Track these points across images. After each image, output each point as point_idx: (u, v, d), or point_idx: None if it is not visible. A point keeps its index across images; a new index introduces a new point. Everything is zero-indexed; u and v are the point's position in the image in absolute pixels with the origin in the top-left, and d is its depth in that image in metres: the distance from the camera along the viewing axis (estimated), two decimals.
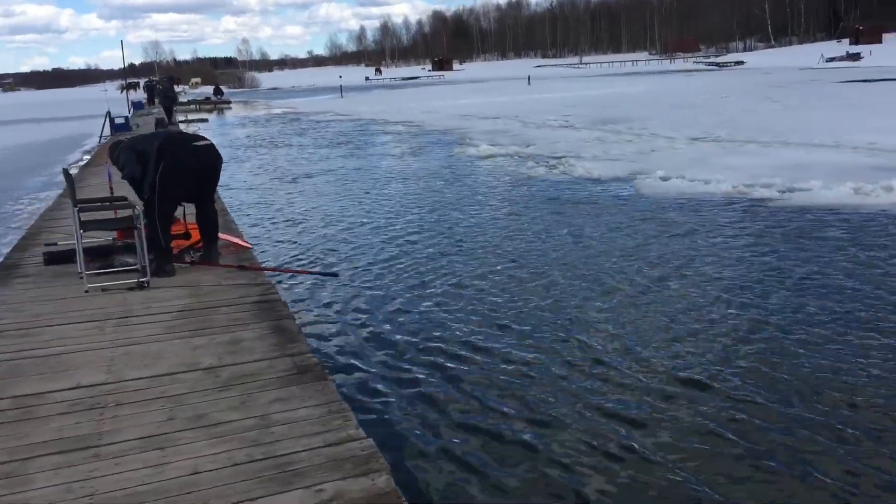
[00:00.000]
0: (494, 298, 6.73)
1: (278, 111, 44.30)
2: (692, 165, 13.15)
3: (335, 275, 6.98)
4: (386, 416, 4.72)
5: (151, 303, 5.32)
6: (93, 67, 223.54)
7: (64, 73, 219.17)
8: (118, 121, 24.70)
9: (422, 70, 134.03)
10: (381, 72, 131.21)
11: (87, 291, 5.65)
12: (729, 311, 6.16)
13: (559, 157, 15.62)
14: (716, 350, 5.41)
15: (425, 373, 5.29)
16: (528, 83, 60.49)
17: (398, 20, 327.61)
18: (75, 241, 5.90)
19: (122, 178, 6.03)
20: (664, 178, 12.09)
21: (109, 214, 6.52)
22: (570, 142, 18.50)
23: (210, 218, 6.43)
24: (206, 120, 36.77)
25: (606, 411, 4.60)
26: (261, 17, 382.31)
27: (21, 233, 9.84)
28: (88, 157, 19.94)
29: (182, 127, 27.44)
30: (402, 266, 7.98)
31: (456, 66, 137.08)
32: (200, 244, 6.63)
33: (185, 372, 4.03)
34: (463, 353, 5.59)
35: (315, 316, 6.59)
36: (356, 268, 7.99)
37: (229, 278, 5.92)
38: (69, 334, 4.72)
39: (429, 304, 6.69)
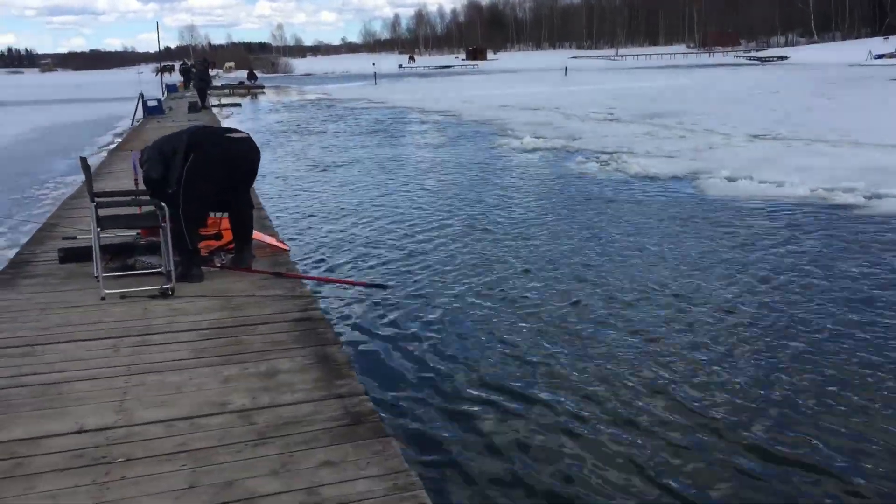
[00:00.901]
0: (569, 323, 5.86)
1: (312, 97, 43.68)
2: (759, 165, 12.18)
3: (384, 287, 6.10)
4: (458, 488, 3.76)
5: (175, 316, 4.58)
6: (129, 50, 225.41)
7: (101, 54, 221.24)
8: (151, 103, 24.19)
9: (455, 59, 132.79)
10: (414, 60, 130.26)
11: (103, 298, 4.93)
12: (840, 344, 5.28)
13: (610, 153, 14.71)
14: (824, 393, 4.55)
15: (497, 420, 4.37)
16: (565, 74, 59.27)
17: (433, 8, 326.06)
18: (92, 240, 5.19)
19: (144, 177, 5.32)
20: (730, 179, 11.15)
21: (133, 210, 5.82)
22: (618, 136, 17.55)
23: (244, 217, 5.68)
24: (239, 105, 36.22)
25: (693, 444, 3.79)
26: (295, 3, 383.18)
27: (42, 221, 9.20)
28: (120, 139, 19.40)
29: (215, 111, 26.88)
30: (455, 276, 7.04)
31: (490, 55, 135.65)
32: (232, 246, 5.90)
33: (212, 415, 3.28)
34: (541, 393, 4.73)
35: (364, 339, 5.66)
36: (405, 277, 7.08)
37: (264, 287, 5.17)
38: (77, 355, 3.99)
39: (493, 325, 5.80)
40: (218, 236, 5.98)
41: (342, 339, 5.15)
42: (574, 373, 4.92)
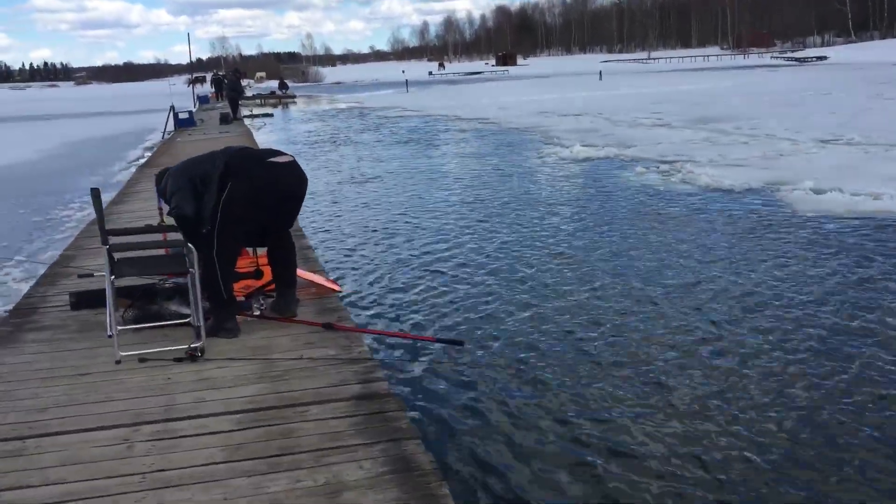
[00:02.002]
0: (694, 392, 4.86)
1: (343, 106, 42.95)
2: (843, 175, 11.01)
3: (460, 343, 4.95)
4: None
5: (205, 391, 3.65)
6: (162, 62, 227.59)
7: (134, 66, 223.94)
8: (182, 115, 23.57)
9: (485, 65, 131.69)
10: (444, 66, 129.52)
11: (118, 362, 4.03)
12: None
13: (670, 162, 13.60)
14: None
15: None
16: (600, 78, 57.97)
17: (461, 15, 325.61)
18: (106, 290, 4.28)
19: (169, 213, 4.39)
20: (817, 191, 10.01)
21: (157, 251, 4.91)
22: (674, 143, 16.42)
23: (286, 257, 4.75)
24: (271, 115, 35.58)
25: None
26: (323, 13, 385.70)
27: (61, 248, 8.40)
28: (150, 153, 18.72)
29: (247, 122, 26.20)
30: (544, 328, 5.74)
31: (520, 61, 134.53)
32: (273, 286, 4.97)
33: None
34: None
35: (443, 422, 4.36)
36: (481, 327, 5.82)
37: (313, 344, 4.23)
38: (80, 455, 3.06)
39: (604, 392, 4.76)
40: (258, 274, 5.05)
41: (415, 420, 4.14)
42: (697, 448, 3.90)
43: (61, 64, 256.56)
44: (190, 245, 4.18)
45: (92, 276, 5.82)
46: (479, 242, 8.59)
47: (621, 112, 25.49)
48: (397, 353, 5.40)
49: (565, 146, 16.71)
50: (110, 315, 4.08)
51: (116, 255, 4.18)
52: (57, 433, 3.26)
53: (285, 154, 4.53)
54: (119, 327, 4.16)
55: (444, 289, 6.92)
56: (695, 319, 5.80)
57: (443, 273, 7.46)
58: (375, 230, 9.71)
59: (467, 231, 9.27)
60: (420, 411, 4.48)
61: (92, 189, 4.29)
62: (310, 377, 3.77)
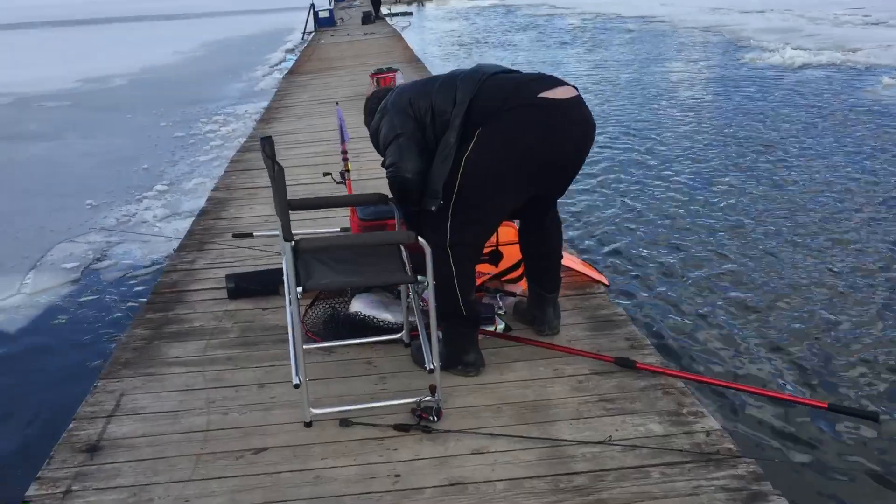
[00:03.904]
0: None
1: (486, 3, 40.17)
2: None
3: (873, 417, 2.69)
4: None
5: (448, 497, 2.05)
6: None
7: None
8: (322, 14, 21.97)
9: None
10: None
11: (308, 425, 2.49)
12: None
13: None
14: None
15: None
16: None
17: None
18: (287, 305, 2.72)
19: (388, 175, 2.71)
20: None
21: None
22: None
23: (549, 240, 3.01)
24: (410, 13, 33.53)
25: None
26: None
27: (208, 186, 7.12)
28: (292, 57, 17.35)
29: (388, 22, 24.32)
30: None
31: None
32: (517, 273, 3.30)
33: None
34: None
35: None
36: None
37: (612, 403, 2.53)
38: None
39: None
40: (495, 257, 3.36)
41: None
42: None
43: None
44: (412, 233, 2.51)
45: (251, 235, 4.37)
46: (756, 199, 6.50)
47: (812, 7, 21.84)
48: (755, 420, 3.34)
49: (769, 50, 13.99)
50: (296, 356, 2.49)
51: (302, 244, 2.56)
52: None
53: (561, 82, 2.71)
54: (308, 346, 2.60)
55: (805, 306, 4.39)
56: None
57: (744, 259, 5.06)
58: (609, 180, 7.02)
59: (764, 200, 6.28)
60: None
61: (262, 139, 2.64)
62: (633, 479, 2.08)
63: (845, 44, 14.09)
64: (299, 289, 2.41)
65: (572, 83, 2.70)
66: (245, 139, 7.61)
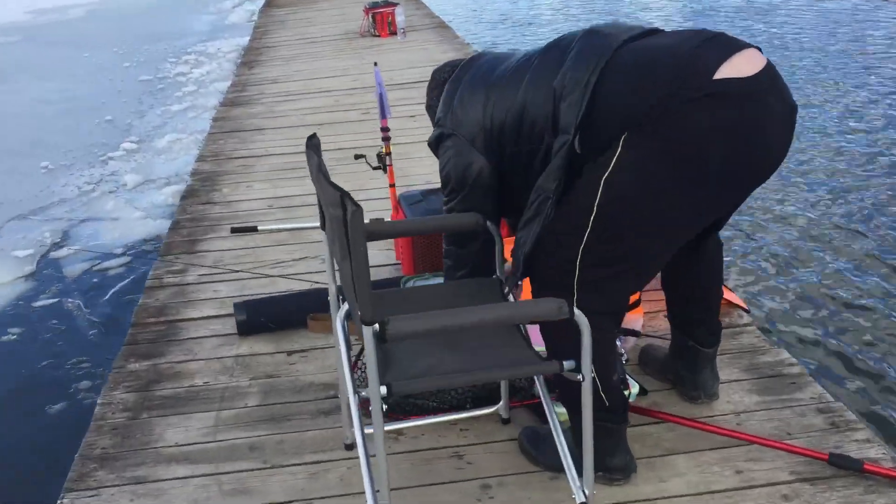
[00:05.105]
0: None
1: None
2: None
3: None
4: None
5: None
6: None
7: None
8: None
9: None
10: None
11: None
12: None
13: None
14: None
15: None
16: None
17: None
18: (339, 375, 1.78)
19: (442, 173, 1.78)
20: None
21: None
22: None
23: (709, 271, 2.09)
24: None
25: None
26: None
27: (185, 143, 6.10)
28: None
29: None
30: None
31: None
32: (635, 298, 2.42)
33: None
34: None
35: None
36: None
37: None
38: None
39: None
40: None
41: None
42: None
43: None
44: (562, 303, 1.57)
45: (255, 230, 3.40)
46: None
47: None
48: None
49: None
50: (350, 409, 1.57)
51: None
52: None
53: (738, 43, 1.68)
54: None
55: None
56: None
57: None
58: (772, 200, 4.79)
59: None
60: None
61: (309, 138, 1.65)
62: None
63: None
64: (383, 389, 1.48)
65: (751, 42, 1.71)
66: (227, 89, 6.51)
